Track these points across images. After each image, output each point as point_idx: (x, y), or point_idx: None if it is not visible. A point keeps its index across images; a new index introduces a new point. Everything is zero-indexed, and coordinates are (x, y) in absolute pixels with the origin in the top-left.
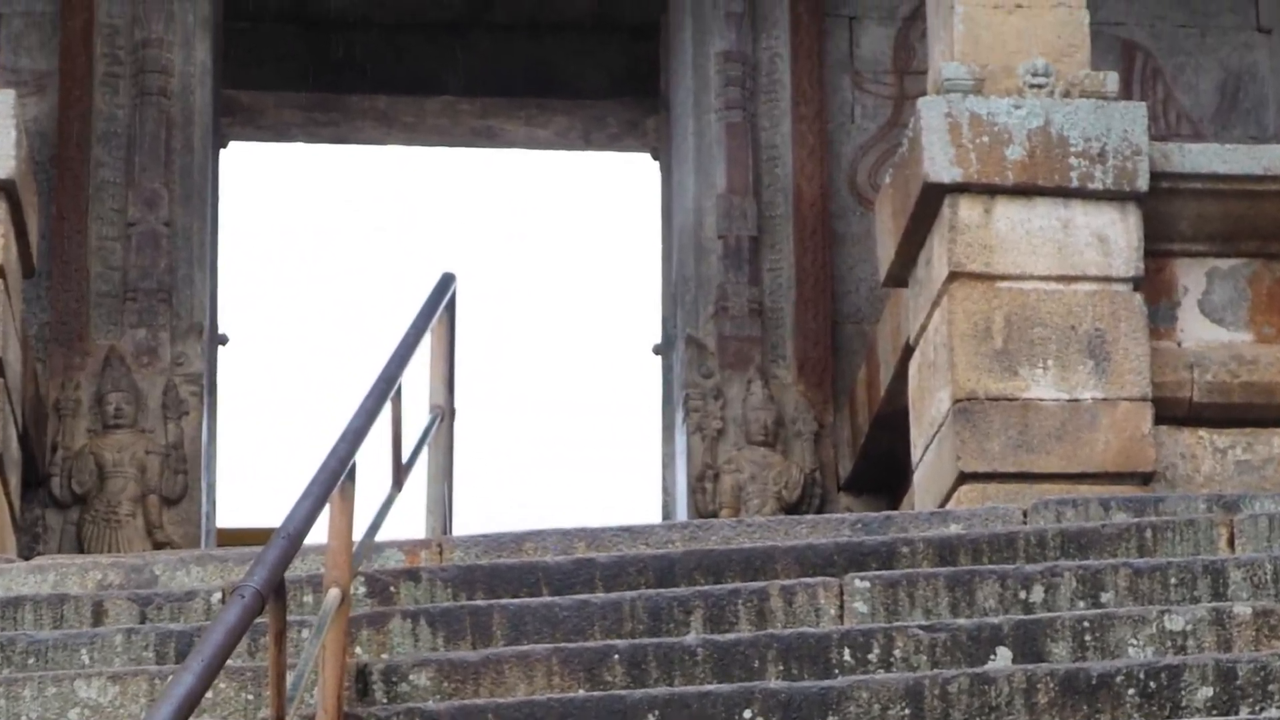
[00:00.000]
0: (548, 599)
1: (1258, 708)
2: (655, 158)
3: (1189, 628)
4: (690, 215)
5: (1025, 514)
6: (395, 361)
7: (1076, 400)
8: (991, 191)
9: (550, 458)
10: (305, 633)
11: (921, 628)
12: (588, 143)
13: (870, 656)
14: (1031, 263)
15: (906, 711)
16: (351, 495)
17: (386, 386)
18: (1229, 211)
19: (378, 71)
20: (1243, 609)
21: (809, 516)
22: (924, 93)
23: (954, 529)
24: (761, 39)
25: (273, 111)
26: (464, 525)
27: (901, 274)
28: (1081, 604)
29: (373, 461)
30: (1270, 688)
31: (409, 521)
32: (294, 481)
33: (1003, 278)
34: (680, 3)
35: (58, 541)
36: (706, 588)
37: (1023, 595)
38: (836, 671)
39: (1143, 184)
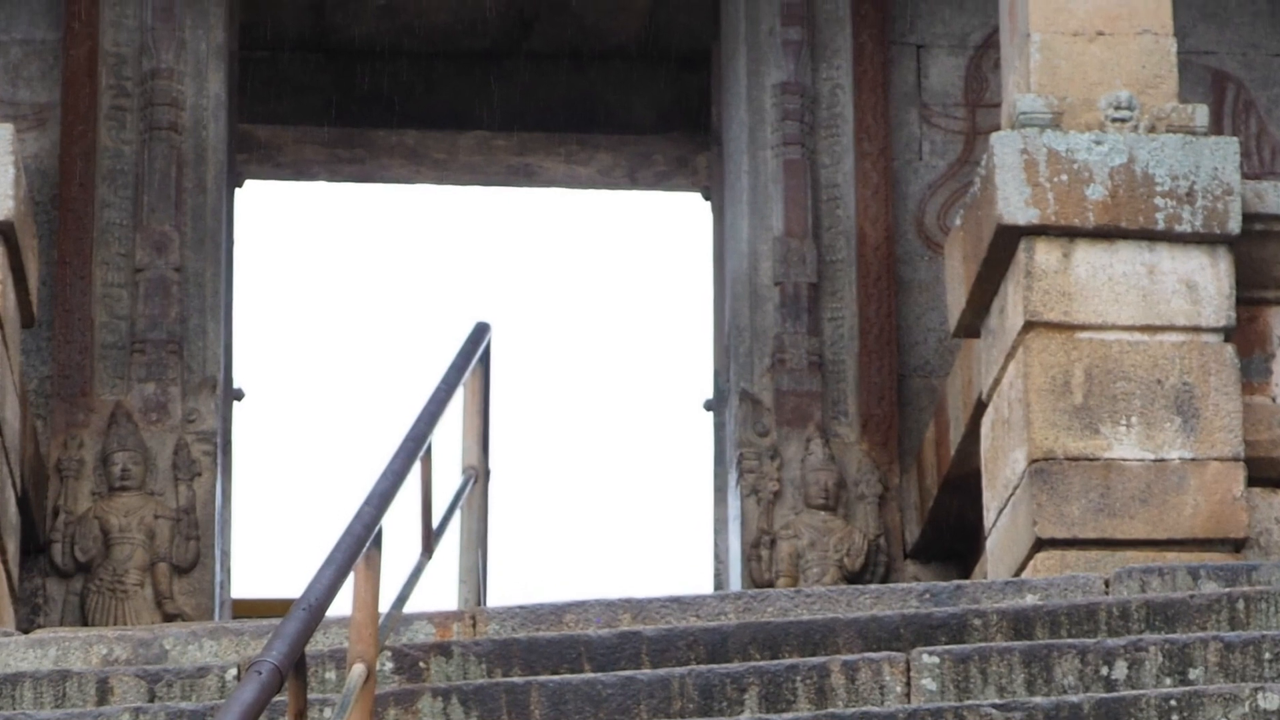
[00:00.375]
0: (590, 675)
1: None
2: (706, 197)
3: None
4: (744, 260)
5: (1107, 583)
6: (425, 418)
7: (1163, 460)
8: (1070, 234)
9: (593, 522)
10: (328, 712)
11: (995, 707)
12: (633, 181)
13: None
14: (1114, 311)
15: None
16: (378, 563)
17: (415, 445)
18: None
19: (406, 104)
20: None
21: (873, 586)
22: (997, 127)
23: (1030, 599)
24: (822, 69)
25: (292, 148)
26: (499, 596)
27: (973, 324)
28: (1168, 681)
29: (401, 527)
30: None
31: (440, 592)
32: (315, 548)
33: (1083, 328)
34: (733, 30)
35: (59, 613)
36: (762, 663)
37: (1104, 671)
38: None
39: (1234, 226)
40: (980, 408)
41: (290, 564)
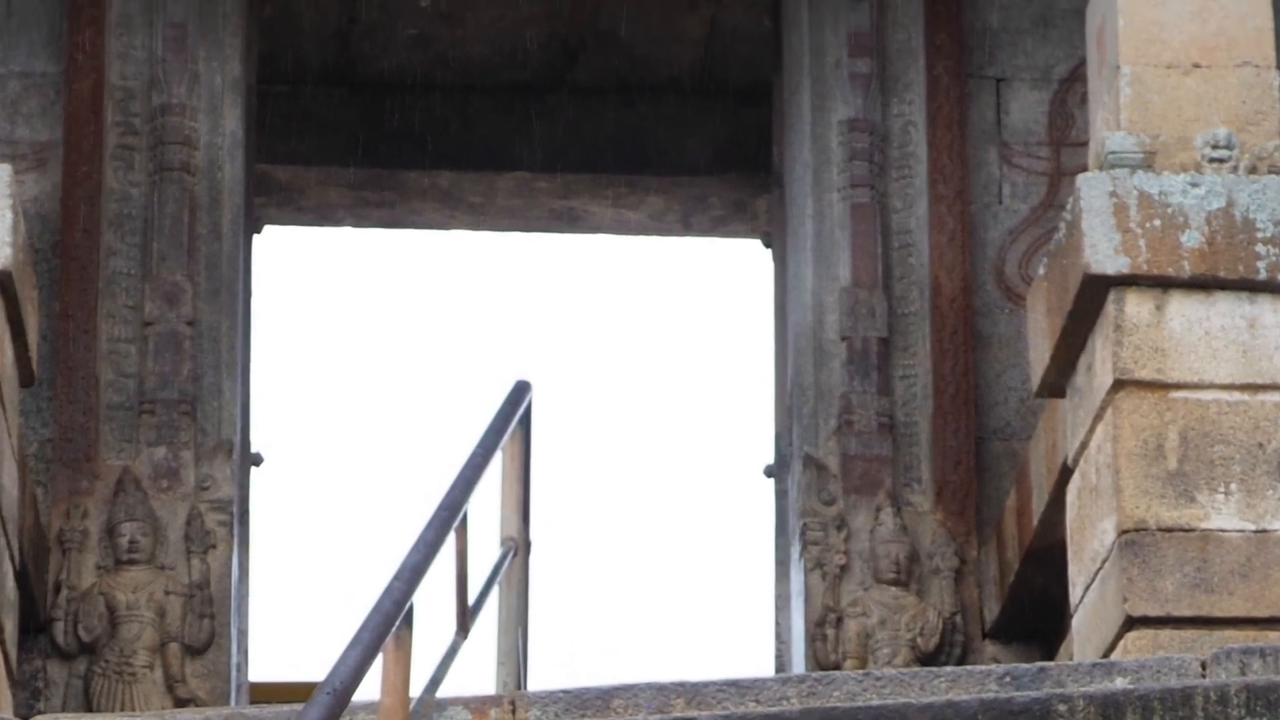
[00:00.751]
0: None
1: None
2: (767, 244)
3: None
4: (808, 313)
5: (1204, 665)
6: (460, 485)
7: (1265, 531)
8: (1164, 285)
9: (643, 599)
10: None
11: None
12: (687, 227)
13: None
14: (1211, 369)
15: None
16: (409, 643)
17: (450, 515)
18: None
19: (440, 143)
20: None
21: (949, 668)
22: (1084, 168)
23: (1120, 683)
24: (893, 104)
25: (315, 190)
26: (541, 678)
27: (1058, 382)
28: None
29: (434, 603)
30: None
31: (476, 674)
32: (341, 627)
33: (1177, 386)
34: (796, 62)
35: (62, 698)
36: None
37: None
38: None
39: None
40: (1065, 474)
41: (313, 644)
